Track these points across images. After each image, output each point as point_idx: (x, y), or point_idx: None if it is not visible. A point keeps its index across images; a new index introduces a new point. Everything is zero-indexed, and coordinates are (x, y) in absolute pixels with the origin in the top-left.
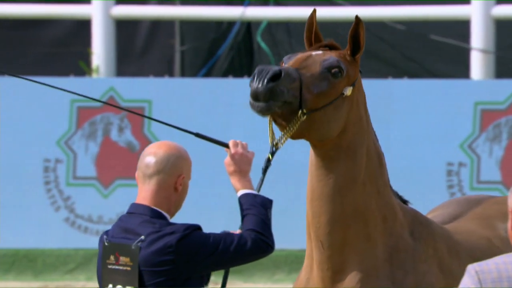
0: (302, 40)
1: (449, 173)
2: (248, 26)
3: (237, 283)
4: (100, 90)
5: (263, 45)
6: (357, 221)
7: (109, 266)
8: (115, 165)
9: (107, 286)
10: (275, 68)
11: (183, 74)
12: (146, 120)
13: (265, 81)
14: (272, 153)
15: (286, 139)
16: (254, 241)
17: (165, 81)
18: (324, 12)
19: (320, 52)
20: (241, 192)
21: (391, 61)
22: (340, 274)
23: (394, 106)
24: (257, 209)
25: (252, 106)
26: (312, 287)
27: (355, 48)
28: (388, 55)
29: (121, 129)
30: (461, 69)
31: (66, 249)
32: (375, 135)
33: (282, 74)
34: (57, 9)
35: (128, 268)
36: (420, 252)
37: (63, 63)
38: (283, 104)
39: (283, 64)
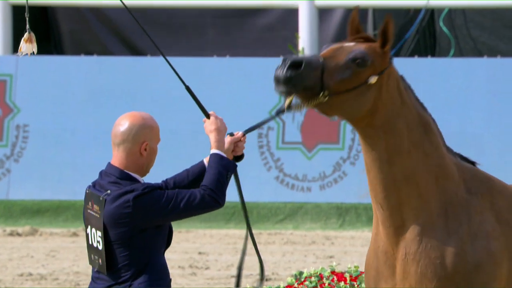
0: (479, 24)
1: None
2: (432, 13)
3: None
4: None
5: (444, 29)
6: (408, 183)
7: (88, 210)
8: (318, 131)
9: (87, 226)
10: (296, 57)
11: None
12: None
13: (285, 69)
14: (282, 110)
15: (300, 108)
16: (203, 197)
17: None
18: None
19: (352, 44)
20: (212, 151)
21: None
22: (401, 229)
23: None
24: (217, 169)
25: (276, 88)
26: (380, 242)
27: (385, 41)
28: None
29: None
30: None
31: (277, 202)
32: (421, 107)
33: (303, 63)
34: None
35: (97, 215)
36: (475, 205)
37: (274, 46)
38: (304, 89)
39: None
